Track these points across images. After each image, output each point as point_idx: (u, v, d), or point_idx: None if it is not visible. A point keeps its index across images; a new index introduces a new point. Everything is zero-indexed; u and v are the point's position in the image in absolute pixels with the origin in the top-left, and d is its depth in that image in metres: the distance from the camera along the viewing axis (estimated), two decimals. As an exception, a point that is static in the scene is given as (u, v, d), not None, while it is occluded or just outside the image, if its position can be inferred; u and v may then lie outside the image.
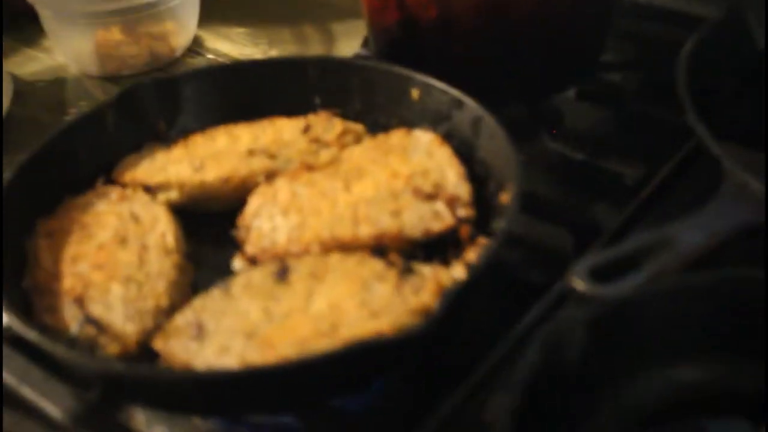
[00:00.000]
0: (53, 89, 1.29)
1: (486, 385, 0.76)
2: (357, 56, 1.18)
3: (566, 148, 0.99)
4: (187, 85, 0.98)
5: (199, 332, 0.75)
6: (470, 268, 0.79)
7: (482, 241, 0.83)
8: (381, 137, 0.94)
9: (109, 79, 1.29)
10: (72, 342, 0.76)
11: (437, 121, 0.93)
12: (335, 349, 0.68)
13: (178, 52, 1.32)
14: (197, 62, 1.33)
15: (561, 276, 0.83)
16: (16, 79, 1.26)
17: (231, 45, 1.35)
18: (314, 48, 1.32)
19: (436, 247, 0.84)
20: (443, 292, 0.74)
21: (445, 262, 0.83)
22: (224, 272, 0.85)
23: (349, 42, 1.30)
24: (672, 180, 0.93)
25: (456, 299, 0.71)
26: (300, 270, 0.80)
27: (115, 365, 0.69)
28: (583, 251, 0.86)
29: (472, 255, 0.82)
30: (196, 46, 1.35)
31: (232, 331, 0.74)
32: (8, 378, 0.77)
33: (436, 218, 0.84)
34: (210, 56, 1.33)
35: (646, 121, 1.04)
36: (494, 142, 0.87)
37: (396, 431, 0.75)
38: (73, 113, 1.24)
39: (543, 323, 0.80)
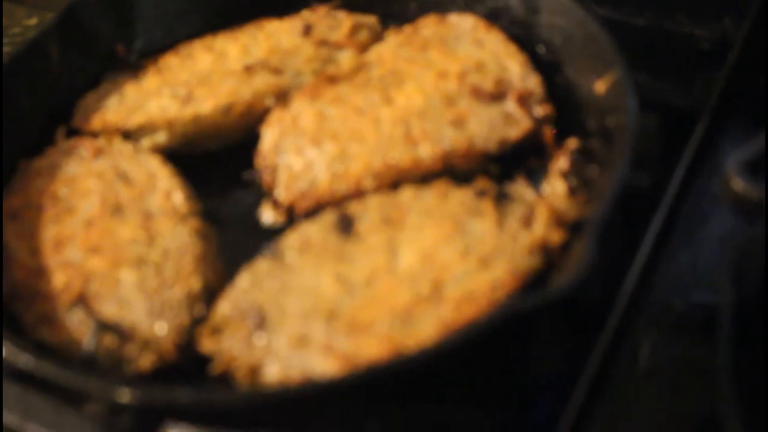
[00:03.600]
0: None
1: (628, 327, 0.60)
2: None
3: (619, 13, 0.81)
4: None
5: (260, 321, 0.57)
6: (575, 181, 0.62)
7: (572, 143, 0.66)
8: (409, 29, 0.75)
9: (10, -3, 1.04)
10: (89, 361, 0.56)
11: (473, 0, 0.75)
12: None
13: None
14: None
15: (666, 175, 0.68)
16: None
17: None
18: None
19: (514, 158, 0.67)
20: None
21: (531, 175, 0.66)
22: (253, 229, 0.67)
23: None
24: (753, 40, 0.77)
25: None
26: (367, 216, 0.62)
27: (176, 395, 0.50)
28: (678, 138, 0.71)
29: (564, 163, 0.65)
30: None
31: (305, 314, 0.57)
32: (7, 415, 0.57)
33: (510, 122, 0.67)
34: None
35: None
36: (563, 18, 0.71)
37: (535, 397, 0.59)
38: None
39: (668, 240, 0.64)
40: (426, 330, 0.54)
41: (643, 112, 0.72)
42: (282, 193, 0.67)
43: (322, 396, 0.49)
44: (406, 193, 0.63)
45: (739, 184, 0.56)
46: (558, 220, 0.60)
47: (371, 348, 0.54)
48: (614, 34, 0.77)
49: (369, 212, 0.62)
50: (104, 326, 0.57)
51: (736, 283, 0.53)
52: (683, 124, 0.72)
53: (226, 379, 0.56)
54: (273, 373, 0.54)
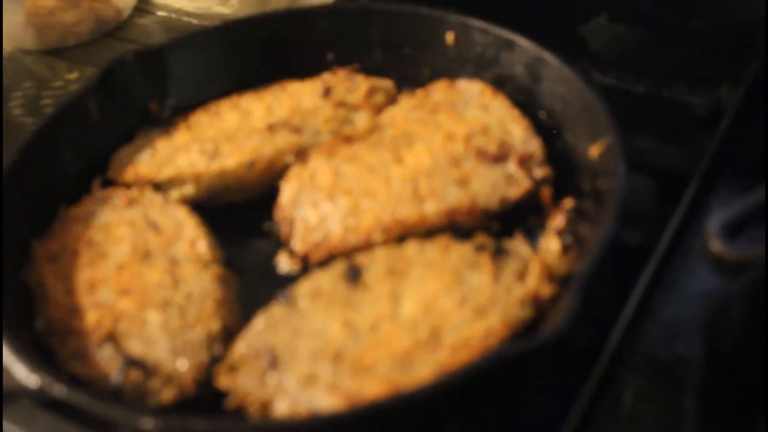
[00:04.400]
0: (-13, 72, 1.11)
1: (613, 373, 0.65)
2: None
3: (620, 80, 0.87)
4: (176, 55, 0.83)
5: (273, 361, 0.62)
6: (570, 239, 0.67)
7: (568, 203, 0.71)
8: (421, 93, 0.80)
9: (50, 53, 1.11)
10: (116, 394, 0.61)
11: (481, 67, 0.81)
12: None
13: (125, 13, 1.15)
14: (148, 22, 1.16)
15: (657, 233, 0.73)
16: (-61, 66, 1.07)
17: (183, -1, 1.18)
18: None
19: (514, 216, 0.72)
20: (557, 278, 0.63)
21: (529, 232, 0.70)
22: (270, 277, 0.72)
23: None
24: (747, 106, 0.82)
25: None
26: (374, 267, 0.67)
27: (192, 423, 0.55)
28: (670, 199, 0.75)
29: (559, 221, 0.70)
30: (143, 4, 1.18)
31: (313, 355, 0.61)
32: (38, 445, 0.63)
33: (511, 182, 0.72)
34: (161, 13, 1.16)
35: (691, 39, 0.92)
36: (563, 86, 0.75)
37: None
38: (17, 98, 1.06)
39: (655, 293, 0.69)
40: (423, 372, 0.59)
41: (639, 174, 0.78)
42: (298, 244, 0.72)
43: (323, 429, 0.54)
44: (411, 247, 0.68)
45: (716, 245, 0.61)
46: (550, 274, 0.65)
47: (372, 387, 0.58)
48: (615, 100, 0.83)
49: (376, 263, 0.67)
50: (131, 362, 0.63)
51: (709, 336, 0.57)
52: (676, 186, 0.77)
53: (240, 413, 0.61)
54: (282, 408, 0.59)
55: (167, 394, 0.62)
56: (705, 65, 0.88)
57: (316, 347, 0.62)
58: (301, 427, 0.55)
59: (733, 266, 0.61)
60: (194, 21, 1.14)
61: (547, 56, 0.76)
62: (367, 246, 0.70)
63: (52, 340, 0.65)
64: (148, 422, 0.56)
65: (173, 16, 1.16)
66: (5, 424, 0.62)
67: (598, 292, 0.69)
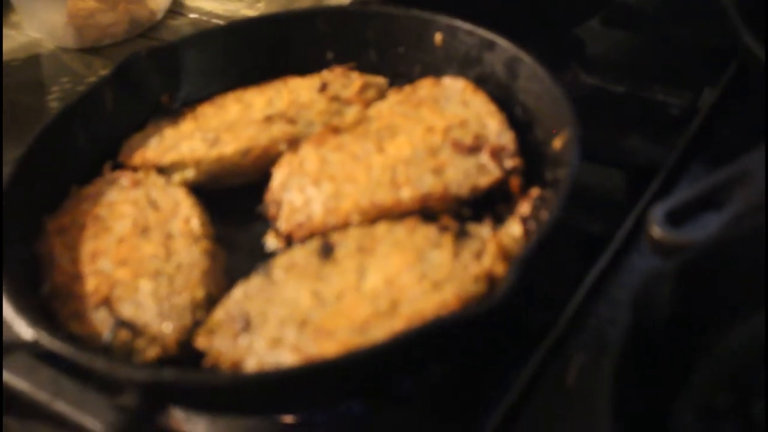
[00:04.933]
0: (29, 68, 1.20)
1: (562, 347, 0.70)
2: (359, 0, 1.09)
3: (603, 81, 0.91)
4: (187, 52, 0.90)
5: (246, 325, 0.68)
6: (533, 224, 0.72)
7: (535, 192, 0.76)
8: (408, 89, 0.86)
9: (88, 51, 1.20)
10: (106, 350, 0.68)
11: (466, 65, 0.86)
12: (404, 333, 0.61)
13: (159, 15, 1.23)
14: (179, 23, 1.23)
15: (621, 221, 0.78)
16: (-14, 62, 1.16)
17: (213, 1, 1.26)
18: (305, -3, 1.23)
19: (486, 204, 0.77)
20: (510, 256, 0.68)
21: (497, 218, 0.76)
22: (258, 253, 0.78)
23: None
24: (720, 106, 0.86)
25: (527, 264, 0.64)
26: (346, 244, 0.73)
27: (165, 375, 0.62)
28: (639, 192, 0.80)
29: (525, 208, 0.75)
30: (176, 6, 1.26)
31: (282, 321, 0.68)
32: (40, 393, 0.70)
33: (482, 172, 0.78)
34: (192, 15, 1.24)
35: (679, 43, 0.97)
36: (536, 83, 0.80)
37: (474, 403, 0.69)
38: (55, 92, 1.15)
39: (612, 275, 0.74)
40: (378, 338, 0.65)
41: (611, 168, 0.83)
42: (283, 224, 0.78)
43: (277, 382, 0.61)
44: (381, 227, 0.74)
45: (656, 230, 0.66)
46: (505, 255, 0.70)
47: (331, 350, 0.64)
48: (596, 99, 0.88)
49: (347, 241, 0.73)
50: (121, 323, 0.70)
51: (638, 310, 0.62)
52: (646, 180, 0.82)
53: (214, 370, 0.68)
54: (251, 366, 0.66)
55: (151, 352, 0.68)
56: (685, 69, 0.92)
57: (286, 314, 0.68)
58: (262, 378, 0.62)
59: (669, 250, 0.66)
60: (222, 23, 1.21)
61: (523, 55, 0.81)
62: (345, 226, 0.76)
63: (55, 303, 0.73)
64: (128, 372, 0.63)
65: (203, 18, 1.24)
66: (8, 376, 0.70)
67: (555, 273, 0.75)
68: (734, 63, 0.88)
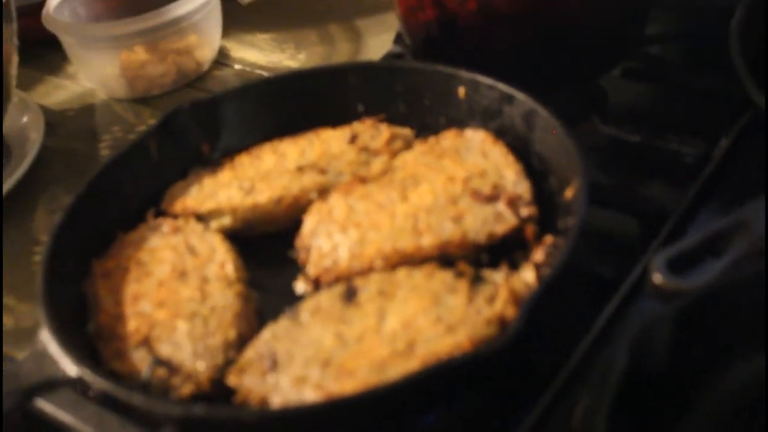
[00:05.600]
0: (83, 117, 1.27)
1: (570, 389, 0.74)
2: (391, 55, 1.15)
3: (620, 130, 0.96)
4: (226, 105, 0.96)
5: (273, 364, 0.73)
6: (547, 271, 0.76)
7: (549, 239, 0.80)
8: (432, 140, 0.91)
9: (138, 101, 1.27)
10: (145, 387, 0.74)
11: (488, 118, 0.91)
12: (416, 372, 0.66)
13: (205, 66, 1.30)
14: (225, 74, 1.30)
15: (632, 267, 0.81)
16: (44, 110, 1.24)
17: (257, 52, 1.32)
18: (342, 47, 1.29)
19: (503, 251, 0.81)
20: (522, 301, 0.72)
21: (513, 265, 0.80)
22: (288, 296, 0.83)
23: (378, 38, 1.28)
24: (733, 155, 0.90)
25: (535, 307, 0.68)
26: (368, 289, 0.77)
27: (196, 410, 0.67)
28: (652, 237, 0.84)
29: (539, 255, 0.80)
30: (222, 58, 1.33)
31: (306, 361, 0.73)
32: (85, 428, 0.75)
33: (499, 220, 0.82)
34: (237, 66, 1.31)
35: (698, 95, 1.01)
36: (550, 135, 0.84)
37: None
38: (106, 140, 1.22)
39: (621, 319, 0.78)
40: (394, 377, 0.69)
41: (624, 214, 0.87)
42: (311, 269, 0.83)
43: (298, 418, 0.66)
44: (401, 273, 0.78)
45: (657, 277, 0.70)
46: (517, 299, 0.75)
47: (350, 388, 0.69)
48: (612, 148, 0.93)
49: (370, 285, 0.77)
50: (159, 362, 0.75)
51: (634, 353, 0.65)
52: (659, 225, 0.85)
53: (242, 407, 0.73)
54: (276, 403, 0.71)
55: (186, 389, 0.74)
56: (701, 118, 0.96)
57: (310, 354, 0.73)
58: (284, 414, 0.67)
59: (669, 296, 0.70)
60: (265, 74, 1.28)
61: (540, 108, 0.85)
62: (369, 271, 0.81)
63: (99, 342, 0.79)
64: (165, 408, 0.69)
65: (247, 69, 1.30)
66: (55, 410, 0.75)
67: (566, 317, 0.79)
68: (748, 112, 0.91)
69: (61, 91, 1.33)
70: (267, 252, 0.88)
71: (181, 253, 0.85)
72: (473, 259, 0.81)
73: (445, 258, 0.81)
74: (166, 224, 0.88)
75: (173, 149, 0.94)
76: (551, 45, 0.93)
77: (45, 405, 0.74)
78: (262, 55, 1.32)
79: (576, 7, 0.92)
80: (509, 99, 0.88)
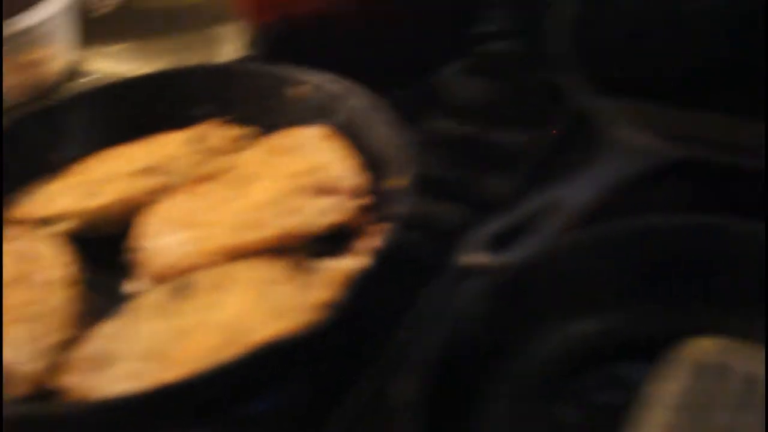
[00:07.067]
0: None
1: (391, 369, 0.76)
2: (242, 59, 1.17)
3: (456, 125, 0.99)
4: (67, 113, 0.97)
5: (103, 362, 0.74)
6: (370, 254, 0.79)
7: (382, 227, 0.83)
8: (272, 138, 0.94)
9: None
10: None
11: (323, 115, 0.93)
12: (236, 356, 0.68)
13: (59, 77, 1.29)
14: (80, 85, 1.30)
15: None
16: None
17: (113, 63, 1.32)
18: (199, 55, 1.30)
19: (342, 241, 0.84)
20: (347, 283, 0.75)
21: (347, 251, 0.83)
22: (125, 295, 0.84)
23: (234, 44, 1.29)
24: (557, 144, 0.94)
25: (357, 288, 0.71)
26: (202, 283, 0.79)
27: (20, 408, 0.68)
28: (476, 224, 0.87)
29: (371, 242, 0.82)
30: (77, 69, 1.32)
31: (137, 356, 0.74)
32: None
33: (333, 211, 0.84)
34: (93, 77, 1.31)
35: (531, 89, 1.05)
36: (381, 128, 0.87)
37: (306, 426, 0.75)
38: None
39: (444, 299, 0.81)
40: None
41: (446, 202, 0.91)
42: (146, 269, 0.84)
43: (115, 409, 0.67)
44: (237, 266, 0.80)
45: (473, 256, 0.73)
46: (342, 284, 0.77)
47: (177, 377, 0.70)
48: (450, 142, 0.96)
49: (205, 280, 0.79)
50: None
51: (453, 328, 0.69)
52: (483, 211, 0.88)
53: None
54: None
55: (18, 391, 0.74)
56: (530, 111, 1.00)
57: (140, 349, 0.74)
58: (107, 405, 0.68)
59: (483, 272, 0.73)
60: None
61: (375, 105, 0.88)
62: (207, 267, 0.82)
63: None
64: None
65: (103, 79, 1.30)
66: None
67: (392, 301, 0.81)
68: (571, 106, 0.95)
69: None
70: (107, 254, 0.89)
71: (24, 258, 0.85)
72: (313, 250, 0.83)
73: (284, 250, 0.83)
74: (9, 231, 0.88)
75: (19, 161, 0.94)
76: (382, 44, 0.97)
77: None
78: (118, 65, 1.32)
79: (400, 9, 0.96)
80: (340, 96, 0.92)
